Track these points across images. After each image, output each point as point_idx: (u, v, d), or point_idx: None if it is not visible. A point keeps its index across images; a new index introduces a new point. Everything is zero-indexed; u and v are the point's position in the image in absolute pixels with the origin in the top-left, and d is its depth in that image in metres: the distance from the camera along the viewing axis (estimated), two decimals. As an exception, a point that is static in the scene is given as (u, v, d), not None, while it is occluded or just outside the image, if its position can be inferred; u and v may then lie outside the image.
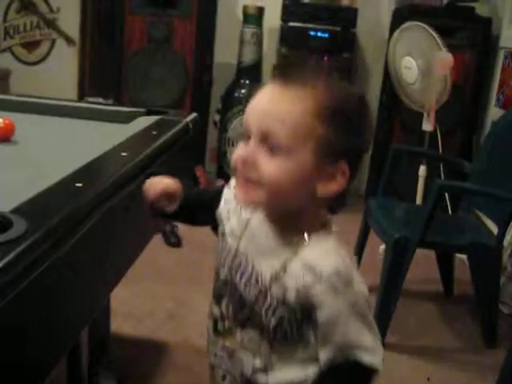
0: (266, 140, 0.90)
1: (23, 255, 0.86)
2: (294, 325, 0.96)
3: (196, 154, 3.77)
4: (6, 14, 5.02)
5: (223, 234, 1.09)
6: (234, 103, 4.07)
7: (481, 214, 2.83)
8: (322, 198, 0.93)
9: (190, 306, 2.57)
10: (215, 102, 4.35)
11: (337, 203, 1.00)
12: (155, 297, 2.63)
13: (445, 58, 3.12)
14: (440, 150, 3.53)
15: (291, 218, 0.97)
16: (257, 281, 0.98)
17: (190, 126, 1.93)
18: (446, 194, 3.32)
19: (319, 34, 3.89)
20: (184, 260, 3.10)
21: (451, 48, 3.21)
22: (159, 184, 1.18)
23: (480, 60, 3.85)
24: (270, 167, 0.90)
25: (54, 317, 1.00)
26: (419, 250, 2.48)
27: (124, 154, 1.44)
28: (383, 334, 2.45)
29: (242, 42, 4.13)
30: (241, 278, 1.01)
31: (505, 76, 3.63)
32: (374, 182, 3.98)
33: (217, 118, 4.37)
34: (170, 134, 1.71)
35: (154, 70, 4.05)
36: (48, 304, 0.96)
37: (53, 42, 5.04)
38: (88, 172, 1.31)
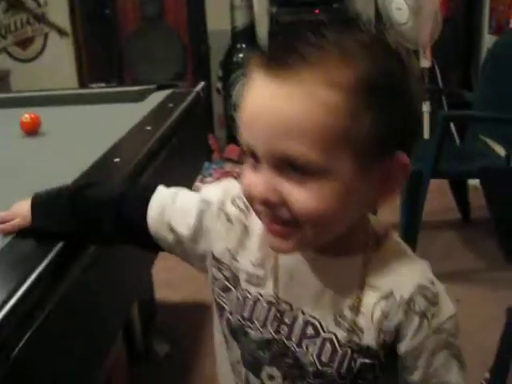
0: (286, 163, 0.63)
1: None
2: (379, 373, 0.72)
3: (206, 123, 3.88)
4: (-6, 15, 5.09)
5: (234, 282, 0.78)
6: (233, 68, 4.15)
7: (487, 140, 2.93)
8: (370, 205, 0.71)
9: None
10: (215, 70, 4.43)
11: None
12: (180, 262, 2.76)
13: (433, -6, 3.19)
14: (440, 84, 3.61)
15: (339, 244, 0.72)
16: (317, 333, 0.73)
17: (201, 94, 2.04)
18: (453, 125, 3.41)
19: (307, -13, 3.95)
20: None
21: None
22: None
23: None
24: (304, 200, 0.64)
25: (117, 288, 1.13)
26: (433, 181, 2.59)
27: (148, 127, 1.56)
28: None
29: (232, 7, 4.19)
30: (290, 334, 0.74)
31: (494, 2, 3.68)
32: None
33: (219, 85, 4.45)
34: (184, 104, 1.83)
35: (151, 48, 4.14)
36: (113, 277, 1.09)
37: (46, 36, 5.11)
38: (121, 148, 1.43)
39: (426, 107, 3.50)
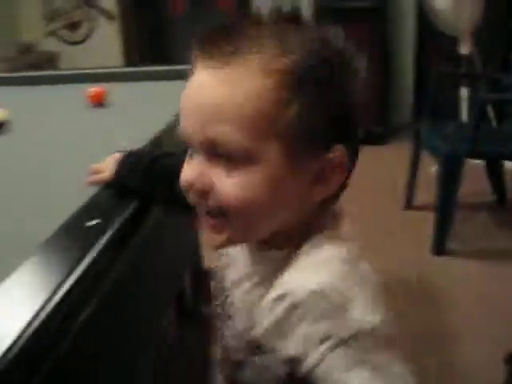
0: (215, 150, 0.63)
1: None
2: None
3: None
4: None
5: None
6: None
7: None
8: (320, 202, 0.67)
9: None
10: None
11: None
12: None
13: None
14: (479, 70, 3.68)
15: (280, 239, 0.69)
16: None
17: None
18: (490, 109, 3.49)
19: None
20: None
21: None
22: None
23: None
24: (229, 187, 0.63)
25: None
26: (469, 165, 2.69)
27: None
28: (443, 242, 2.71)
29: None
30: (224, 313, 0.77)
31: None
32: (419, 107, 4.17)
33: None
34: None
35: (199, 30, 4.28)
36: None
37: (94, 20, 5.31)
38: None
39: (463, 92, 3.60)
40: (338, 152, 0.64)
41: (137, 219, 0.97)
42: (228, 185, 0.62)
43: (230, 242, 0.68)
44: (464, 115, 3.59)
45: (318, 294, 0.60)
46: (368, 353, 0.60)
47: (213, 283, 0.79)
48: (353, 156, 0.67)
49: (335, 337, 0.59)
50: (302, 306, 0.61)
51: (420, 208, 3.20)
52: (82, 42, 5.41)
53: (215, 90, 0.62)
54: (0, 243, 0.88)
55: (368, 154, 3.80)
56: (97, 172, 1.06)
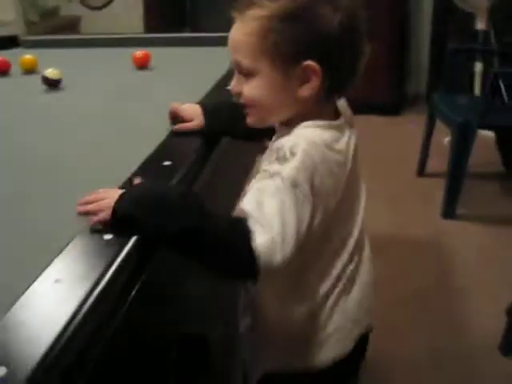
0: (239, 68, 0.97)
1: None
2: None
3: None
4: (68, -35, 5.38)
5: None
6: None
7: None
8: (311, 99, 0.94)
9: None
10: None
11: (339, 89, 0.99)
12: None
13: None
14: (494, 47, 3.81)
15: (293, 124, 0.97)
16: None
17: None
18: (502, 83, 3.63)
19: None
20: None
21: None
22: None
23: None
24: (248, 90, 0.97)
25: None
26: (481, 137, 2.85)
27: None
28: (453, 206, 2.88)
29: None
30: None
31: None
32: (434, 80, 4.31)
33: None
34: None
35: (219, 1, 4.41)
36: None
37: (116, -14, 5.40)
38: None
39: (478, 67, 3.74)
40: (309, 64, 0.92)
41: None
42: (245, 89, 0.97)
43: (255, 123, 1.02)
44: (477, 89, 3.73)
45: (286, 152, 0.89)
46: (283, 193, 0.85)
47: None
48: (334, 64, 0.94)
49: (277, 179, 0.87)
50: (278, 159, 0.90)
51: (432, 175, 3.38)
52: (104, 7, 5.49)
53: (234, 32, 0.96)
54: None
55: (385, 124, 4.06)
56: (179, 117, 1.24)
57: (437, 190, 3.04)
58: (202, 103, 1.26)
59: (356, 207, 1.08)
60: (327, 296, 1.02)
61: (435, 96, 3.25)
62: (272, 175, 0.87)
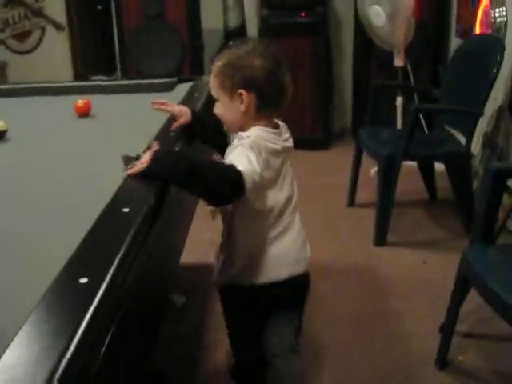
0: (214, 98, 1.56)
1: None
2: None
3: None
4: (-7, 10, 5.36)
5: None
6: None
7: (452, 130, 3.40)
8: (248, 110, 1.49)
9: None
10: (208, 65, 4.82)
11: (266, 108, 1.51)
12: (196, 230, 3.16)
13: (407, 2, 3.65)
14: (412, 82, 4.08)
15: (243, 126, 1.53)
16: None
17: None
18: (422, 116, 3.89)
19: (295, -7, 4.39)
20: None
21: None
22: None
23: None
24: (217, 110, 1.56)
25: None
26: (405, 167, 3.04)
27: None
28: (384, 234, 3.06)
29: (225, 8, 4.62)
30: None
31: (461, 9, 4.15)
32: (358, 114, 4.55)
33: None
34: (205, 93, 2.26)
35: (152, 44, 4.53)
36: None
37: (43, 30, 5.43)
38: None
39: (399, 101, 3.98)
40: (241, 90, 1.48)
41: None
42: (216, 109, 1.56)
43: (228, 129, 1.59)
44: (399, 122, 3.97)
45: (250, 140, 1.45)
46: (244, 151, 1.41)
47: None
48: (260, 93, 1.49)
49: (241, 146, 1.43)
50: (240, 139, 1.46)
51: (362, 205, 3.56)
52: (31, 51, 5.50)
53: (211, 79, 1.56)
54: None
55: (314, 159, 4.23)
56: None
57: (367, 219, 3.21)
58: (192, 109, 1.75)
59: (286, 186, 1.57)
60: (272, 233, 1.55)
61: (361, 131, 3.44)
62: (236, 148, 1.44)
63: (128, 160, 1.46)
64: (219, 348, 2.23)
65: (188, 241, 2.76)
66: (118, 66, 5.05)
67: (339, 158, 4.29)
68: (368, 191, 3.50)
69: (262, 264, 1.56)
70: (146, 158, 1.34)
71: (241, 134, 1.49)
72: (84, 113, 2.13)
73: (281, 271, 1.57)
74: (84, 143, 1.84)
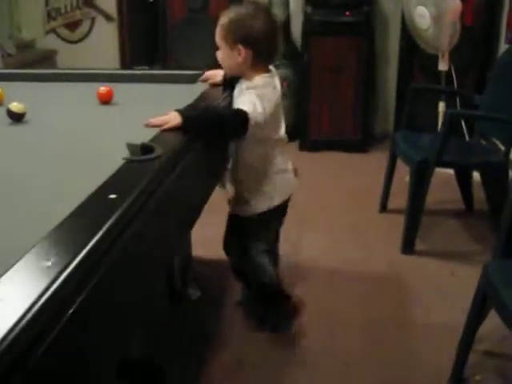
0: (217, 44, 2.00)
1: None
2: None
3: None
4: (47, -2, 5.44)
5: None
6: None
7: (492, 138, 3.28)
8: (244, 63, 1.95)
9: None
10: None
11: (260, 62, 1.99)
12: (216, 224, 3.13)
13: (454, 5, 3.53)
14: (456, 87, 3.95)
15: (243, 74, 2.02)
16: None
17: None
18: (463, 123, 3.77)
19: (340, -10, 4.31)
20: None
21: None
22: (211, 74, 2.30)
23: (488, 2, 4.23)
24: (219, 56, 2.01)
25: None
26: (442, 175, 2.93)
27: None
28: (412, 242, 2.96)
29: (270, 4, 4.56)
30: None
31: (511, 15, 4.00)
32: (400, 120, 4.43)
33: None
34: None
35: (194, 36, 4.52)
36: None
37: (93, 20, 5.49)
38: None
39: (441, 107, 3.86)
40: (240, 46, 1.93)
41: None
42: (219, 55, 2.03)
43: (226, 72, 2.14)
44: (440, 128, 3.84)
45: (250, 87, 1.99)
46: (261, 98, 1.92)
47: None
48: (257, 49, 1.95)
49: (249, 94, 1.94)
50: (248, 87, 1.99)
51: (394, 212, 3.46)
52: (80, 41, 5.58)
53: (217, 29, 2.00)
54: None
55: (351, 161, 4.15)
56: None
57: (397, 225, 3.12)
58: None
59: (280, 123, 2.11)
60: (272, 165, 2.13)
61: (396, 134, 3.34)
62: (244, 94, 1.95)
63: (133, 148, 1.45)
64: (225, 346, 2.21)
65: (205, 235, 2.77)
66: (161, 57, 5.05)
67: (378, 161, 4.18)
68: (402, 197, 3.38)
69: (260, 198, 2.16)
70: (172, 116, 1.67)
71: (248, 82, 1.98)
72: (106, 100, 2.12)
73: (274, 200, 2.17)
74: (98, 128, 1.83)
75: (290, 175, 2.21)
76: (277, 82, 2.05)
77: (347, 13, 4.28)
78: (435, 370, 2.10)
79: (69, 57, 5.35)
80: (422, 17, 3.61)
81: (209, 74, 2.30)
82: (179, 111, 1.69)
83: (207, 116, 1.80)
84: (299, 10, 4.60)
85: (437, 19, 3.58)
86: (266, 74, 2.00)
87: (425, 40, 3.76)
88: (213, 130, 1.82)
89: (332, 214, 3.49)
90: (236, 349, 2.23)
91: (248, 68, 1.98)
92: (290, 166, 2.20)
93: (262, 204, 2.15)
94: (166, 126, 1.64)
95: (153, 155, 1.41)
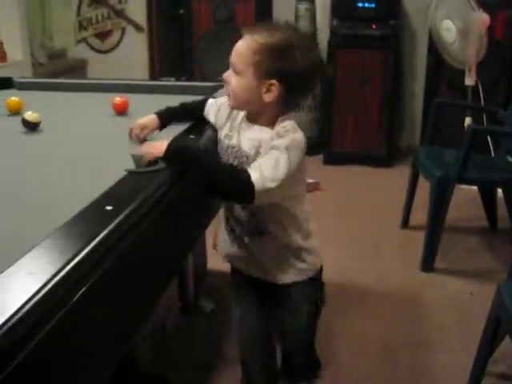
0: (234, 67, 1.45)
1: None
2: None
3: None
4: (79, 8, 5.55)
5: (219, 140, 1.63)
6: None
7: (517, 155, 3.21)
8: (271, 102, 1.45)
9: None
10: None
11: (290, 105, 1.51)
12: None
13: (481, 19, 3.47)
14: (482, 102, 3.88)
15: (259, 116, 1.51)
16: (246, 156, 1.53)
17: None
18: (489, 140, 3.70)
19: (366, 4, 4.29)
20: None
21: (491, 7, 3.57)
22: (137, 122, 1.74)
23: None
24: (234, 82, 1.45)
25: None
26: (466, 192, 2.84)
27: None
28: (432, 260, 2.91)
29: (296, 17, 4.56)
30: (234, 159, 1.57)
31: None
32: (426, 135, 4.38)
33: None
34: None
35: (220, 48, 4.53)
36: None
37: (123, 31, 5.56)
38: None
39: (467, 121, 3.79)
40: (274, 81, 1.42)
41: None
42: (233, 81, 1.45)
43: (233, 106, 1.53)
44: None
45: (279, 131, 1.46)
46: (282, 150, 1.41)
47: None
48: (291, 87, 1.44)
49: (275, 147, 1.42)
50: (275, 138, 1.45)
51: (415, 228, 3.40)
52: (111, 50, 5.65)
53: (240, 43, 1.45)
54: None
55: (375, 175, 4.11)
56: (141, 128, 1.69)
57: (417, 242, 3.06)
58: (157, 111, 1.75)
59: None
60: (306, 227, 1.60)
61: (420, 149, 3.30)
62: (270, 149, 1.43)
63: (138, 159, 1.45)
64: (236, 361, 2.18)
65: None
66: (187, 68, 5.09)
67: (402, 176, 4.11)
68: (424, 213, 3.33)
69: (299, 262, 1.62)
70: (158, 147, 1.44)
71: (270, 131, 1.47)
72: (121, 110, 2.12)
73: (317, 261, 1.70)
74: (110, 139, 1.83)
75: None
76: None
77: (374, 26, 4.25)
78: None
79: (99, 66, 5.41)
80: (448, 30, 3.56)
81: (140, 123, 1.75)
82: (169, 144, 1.44)
83: (199, 165, 1.43)
84: (326, 23, 4.59)
85: (463, 33, 3.53)
86: (289, 120, 1.50)
87: (451, 54, 3.71)
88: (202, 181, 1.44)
89: (353, 228, 3.45)
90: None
91: (270, 110, 1.48)
92: None
93: None
94: (150, 156, 1.44)
95: (156, 167, 1.41)
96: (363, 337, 2.39)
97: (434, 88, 4.48)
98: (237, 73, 1.43)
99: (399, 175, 4.30)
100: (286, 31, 1.45)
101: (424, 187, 3.39)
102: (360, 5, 4.30)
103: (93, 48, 5.65)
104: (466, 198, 3.39)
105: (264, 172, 1.36)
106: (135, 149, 1.51)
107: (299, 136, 1.46)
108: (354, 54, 4.37)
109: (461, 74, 3.81)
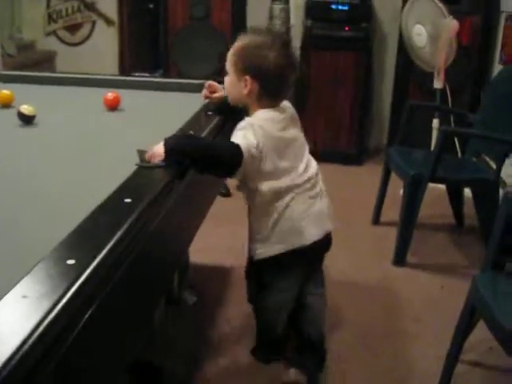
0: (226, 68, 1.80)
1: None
2: None
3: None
4: (48, 1, 5.49)
5: None
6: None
7: (484, 156, 3.36)
8: (249, 96, 1.75)
9: (244, 240, 3.14)
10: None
11: (268, 98, 1.76)
12: (218, 235, 3.19)
13: (451, 25, 3.62)
14: (450, 105, 4.04)
15: (248, 109, 1.80)
16: None
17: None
18: (457, 141, 3.85)
19: (340, 7, 4.40)
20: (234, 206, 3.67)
21: (459, 14, 3.72)
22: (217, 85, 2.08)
23: (484, 23, 4.32)
24: (225, 81, 1.82)
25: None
26: (435, 191, 2.98)
27: (209, 113, 2.03)
28: (404, 255, 3.04)
29: (271, 17, 4.64)
30: None
31: (506, 36, 4.10)
32: (394, 134, 4.51)
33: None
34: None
35: (196, 45, 4.59)
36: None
37: (93, 24, 5.52)
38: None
39: (435, 123, 3.95)
40: (247, 77, 1.72)
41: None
42: (225, 82, 1.82)
43: (230, 101, 1.87)
44: (433, 145, 3.92)
45: (247, 122, 1.73)
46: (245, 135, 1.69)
47: None
48: (264, 82, 1.73)
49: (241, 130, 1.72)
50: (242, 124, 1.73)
51: (386, 224, 3.53)
52: (80, 43, 5.62)
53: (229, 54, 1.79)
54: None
55: (346, 173, 4.21)
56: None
57: (389, 238, 3.19)
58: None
59: (297, 162, 1.86)
60: (278, 213, 1.84)
61: (391, 149, 3.43)
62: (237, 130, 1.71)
63: (143, 154, 1.52)
64: (222, 348, 2.26)
65: (206, 245, 2.83)
66: (162, 64, 5.11)
67: (371, 174, 4.26)
68: (395, 210, 3.45)
69: (267, 242, 1.94)
70: (158, 151, 1.50)
71: (246, 119, 1.75)
72: (112, 106, 2.18)
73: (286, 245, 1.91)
74: (107, 132, 1.89)
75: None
76: (284, 116, 1.80)
77: (347, 28, 4.37)
78: (423, 378, 2.18)
79: (68, 59, 5.38)
80: (419, 35, 3.70)
81: (210, 84, 2.08)
82: (165, 142, 1.53)
83: (194, 147, 1.59)
84: (300, 24, 4.68)
85: (433, 38, 3.67)
86: (271, 109, 1.75)
87: (421, 58, 3.85)
88: (201, 163, 1.59)
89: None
90: (232, 351, 2.30)
91: (253, 102, 1.76)
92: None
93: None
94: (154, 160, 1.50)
95: (161, 163, 1.47)
96: (342, 329, 2.50)
97: (402, 90, 4.62)
98: (227, 73, 1.79)
99: (369, 173, 4.44)
100: (260, 33, 1.77)
101: (393, 185, 3.53)
102: (333, 7, 4.41)
103: (62, 41, 5.60)
104: (434, 196, 3.53)
105: (237, 141, 1.67)
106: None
107: (260, 122, 1.73)
108: (327, 55, 4.48)
109: (429, 76, 3.96)
